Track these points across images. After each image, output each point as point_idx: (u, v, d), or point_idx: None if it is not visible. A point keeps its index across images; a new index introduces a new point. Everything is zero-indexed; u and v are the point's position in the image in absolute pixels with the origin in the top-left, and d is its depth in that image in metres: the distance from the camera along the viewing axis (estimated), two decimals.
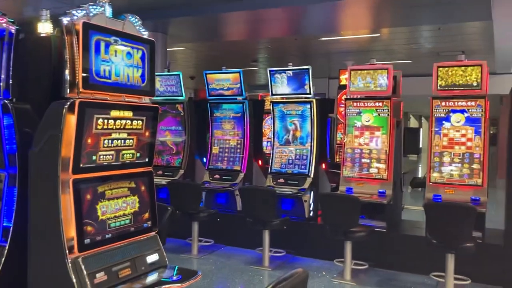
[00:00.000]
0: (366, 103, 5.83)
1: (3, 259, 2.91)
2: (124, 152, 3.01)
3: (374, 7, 8.17)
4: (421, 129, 30.94)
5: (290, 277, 1.79)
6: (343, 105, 7.27)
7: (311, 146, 6.22)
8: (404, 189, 6.41)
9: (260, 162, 7.01)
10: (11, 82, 3.04)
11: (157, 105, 3.21)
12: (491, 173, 5.32)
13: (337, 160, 8.96)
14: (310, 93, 6.18)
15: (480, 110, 5.21)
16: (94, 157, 2.81)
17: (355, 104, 5.90)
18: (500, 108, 14.23)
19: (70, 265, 2.63)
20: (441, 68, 5.36)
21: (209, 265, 5.64)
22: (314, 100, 6.19)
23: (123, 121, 2.95)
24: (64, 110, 2.65)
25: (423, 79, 10.74)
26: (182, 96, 7.09)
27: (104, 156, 2.88)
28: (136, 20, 3.07)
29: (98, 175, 2.86)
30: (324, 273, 5.41)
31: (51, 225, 2.68)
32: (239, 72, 6.67)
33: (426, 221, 4.84)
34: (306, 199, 6.09)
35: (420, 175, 16.96)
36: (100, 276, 2.72)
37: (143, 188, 3.17)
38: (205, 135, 7.16)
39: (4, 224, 2.99)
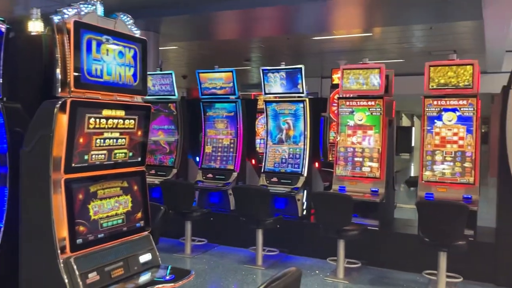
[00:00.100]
0: (358, 102, 5.85)
1: None
2: (116, 151, 3.00)
3: (366, 6, 8.19)
4: (413, 127, 31.13)
5: (284, 276, 1.79)
6: (335, 104, 7.28)
7: (304, 145, 6.23)
8: (397, 187, 6.44)
9: (253, 161, 7.01)
10: (1, 81, 3.02)
11: (149, 104, 3.19)
12: (482, 171, 5.36)
13: (330, 159, 8.99)
14: (303, 92, 6.19)
15: (472, 109, 5.24)
16: (86, 157, 2.79)
17: (347, 103, 5.92)
18: (491, 107, 14.36)
19: (62, 265, 2.62)
20: (433, 67, 5.39)
21: (202, 265, 5.63)
22: (307, 99, 6.20)
23: (115, 120, 2.93)
24: (55, 110, 2.63)
25: (415, 78, 10.79)
26: (174, 95, 7.07)
27: (96, 156, 2.86)
28: (128, 19, 3.06)
29: (90, 174, 2.84)
30: (317, 271, 5.43)
31: (43, 225, 2.66)
32: (232, 71, 6.66)
33: (418, 220, 4.86)
34: (299, 198, 6.10)
35: (412, 173, 17.06)
36: (93, 276, 2.70)
37: (135, 187, 3.15)
38: (198, 134, 7.14)
39: None
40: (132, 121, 3.06)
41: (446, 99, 5.36)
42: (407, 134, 28.68)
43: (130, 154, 3.10)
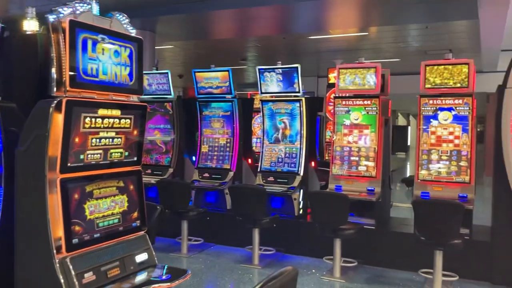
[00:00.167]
0: (354, 102, 5.85)
1: None
2: (112, 151, 2.99)
3: (362, 5, 8.20)
4: (409, 127, 31.19)
5: (280, 275, 1.79)
6: (332, 104, 7.29)
7: (300, 144, 6.23)
8: (393, 186, 6.45)
9: (249, 160, 7.01)
10: None
11: (145, 104, 3.19)
12: (478, 170, 5.37)
13: (326, 158, 9.01)
14: (299, 92, 6.19)
15: (467, 108, 5.26)
16: (81, 156, 2.78)
17: (344, 102, 5.92)
18: (486, 106, 14.38)
19: (57, 265, 2.61)
20: (428, 67, 5.41)
21: (198, 264, 5.63)
22: (303, 99, 6.20)
23: (111, 120, 2.93)
24: (51, 109, 2.62)
25: (411, 77, 10.82)
26: (170, 94, 7.06)
27: (92, 155, 2.86)
28: (124, 18, 3.05)
29: (86, 174, 2.83)
30: (313, 270, 5.43)
31: (39, 225, 2.65)
32: (228, 71, 6.65)
33: (414, 218, 4.88)
34: (296, 197, 6.10)
35: (408, 172, 17.10)
36: (89, 276, 2.69)
37: (131, 187, 3.15)
38: (194, 133, 7.13)
39: None
40: (128, 120, 3.05)
41: (441, 98, 5.37)
42: (403, 133, 28.72)
43: (126, 153, 3.09)
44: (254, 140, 8.46)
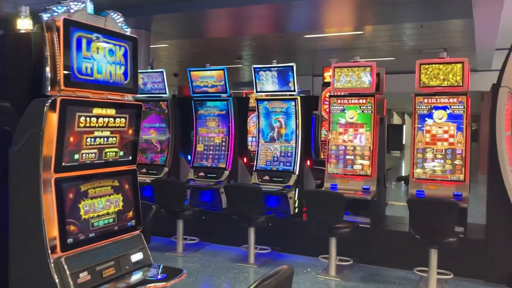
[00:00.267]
0: (350, 100, 5.86)
1: None
2: (107, 150, 2.98)
3: (357, 4, 8.22)
4: (404, 125, 31.30)
5: (276, 274, 1.79)
6: (327, 102, 7.30)
7: (296, 143, 6.24)
8: (388, 185, 6.47)
9: (245, 159, 7.00)
10: None
11: (140, 103, 3.18)
12: (472, 169, 5.41)
13: (322, 157, 9.02)
14: (294, 90, 6.20)
15: (462, 107, 5.28)
16: (76, 156, 2.77)
17: (339, 101, 5.93)
18: (481, 104, 14.47)
19: (52, 265, 2.60)
20: (423, 66, 5.42)
21: (194, 263, 5.63)
22: (298, 97, 6.21)
23: (106, 119, 2.91)
24: (45, 108, 2.60)
25: (406, 76, 10.87)
26: (166, 93, 7.04)
27: (87, 155, 2.84)
28: (118, 16, 3.03)
29: (80, 173, 2.82)
30: (309, 269, 5.44)
31: (33, 224, 2.64)
32: (223, 70, 6.64)
33: (409, 217, 4.89)
34: (291, 196, 6.11)
35: (403, 171, 17.15)
36: (84, 276, 2.68)
37: (127, 186, 3.14)
38: (189, 132, 7.12)
39: None
40: (123, 119, 3.04)
41: (436, 97, 5.39)
42: (398, 132, 28.83)
43: (121, 153, 3.08)
44: (249, 139, 8.45)
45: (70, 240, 2.70)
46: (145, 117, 7.00)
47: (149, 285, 2.85)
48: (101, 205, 2.94)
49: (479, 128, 15.92)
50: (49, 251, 2.61)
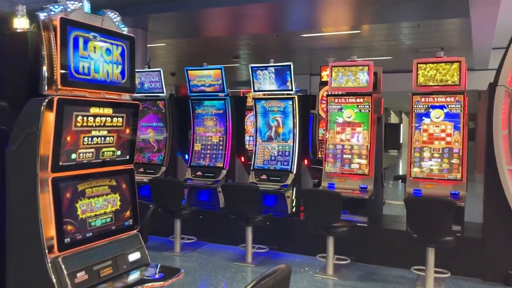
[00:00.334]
0: (347, 99, 5.87)
1: None
2: (104, 149, 2.97)
3: (355, 3, 8.21)
4: (401, 124, 31.35)
5: (273, 273, 1.79)
6: (324, 101, 7.30)
7: (293, 142, 6.24)
8: (385, 184, 6.48)
9: (242, 158, 7.00)
10: None
11: (137, 102, 3.17)
12: (470, 167, 5.41)
13: (319, 156, 9.03)
14: (292, 90, 6.20)
15: (459, 106, 5.29)
16: (73, 155, 2.76)
17: (336, 100, 5.93)
18: (478, 103, 14.51)
19: (49, 265, 2.59)
20: (420, 65, 5.43)
21: (191, 263, 5.62)
22: (296, 97, 6.21)
23: (103, 118, 2.91)
24: (42, 108, 2.59)
25: (403, 75, 10.88)
26: (163, 92, 7.03)
27: (84, 154, 2.84)
28: (115, 16, 3.03)
29: (78, 173, 2.81)
30: (307, 268, 5.45)
31: (30, 224, 2.63)
32: (220, 69, 6.64)
33: (407, 216, 4.90)
34: (289, 195, 6.11)
35: (400, 170, 17.18)
36: (81, 276, 2.68)
37: (124, 186, 3.13)
38: (186, 132, 7.12)
39: None
40: (120, 119, 3.04)
41: (433, 96, 5.40)
42: (396, 131, 28.89)
43: (118, 152, 3.08)
44: (246, 138, 8.44)
45: (67, 240, 2.69)
46: (142, 117, 6.99)
47: (146, 284, 2.85)
48: (99, 205, 2.94)
49: (476, 127, 15.96)
50: (46, 251, 2.60)
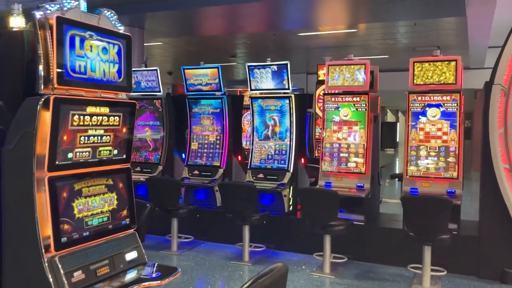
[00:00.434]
0: (344, 98, 5.88)
1: None
2: (101, 148, 2.97)
3: (351, 2, 8.23)
4: (398, 123, 31.40)
5: (270, 271, 1.79)
6: (321, 100, 7.31)
7: (290, 141, 6.24)
8: (382, 182, 6.49)
9: (239, 157, 7.01)
10: None
11: (134, 101, 3.17)
12: (466, 166, 5.43)
13: (316, 155, 9.05)
14: (288, 88, 6.20)
15: (455, 105, 5.31)
16: (70, 154, 2.76)
17: (333, 99, 5.94)
18: (474, 102, 14.55)
19: (46, 264, 2.59)
20: (417, 64, 5.44)
21: (189, 262, 5.62)
22: (292, 95, 6.21)
23: (100, 117, 2.91)
24: (38, 107, 2.59)
25: (399, 74, 10.90)
26: (160, 91, 7.03)
27: (81, 153, 2.83)
28: (112, 14, 3.02)
29: (74, 172, 2.81)
30: (303, 267, 5.45)
31: (27, 224, 2.63)
32: (217, 68, 6.63)
33: (403, 214, 4.92)
34: (286, 194, 6.12)
35: (397, 168, 17.22)
36: (78, 275, 2.67)
37: (121, 185, 3.13)
38: (183, 131, 7.11)
39: None
40: (117, 118, 3.03)
41: (430, 94, 5.41)
42: (392, 129, 28.94)
43: (115, 151, 3.07)
44: (244, 135, 8.44)
45: (64, 239, 2.69)
46: (139, 115, 6.98)
47: (143, 283, 2.85)
48: (95, 204, 2.93)
49: (472, 125, 16.01)
50: (43, 250, 2.60)
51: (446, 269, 5.04)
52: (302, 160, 6.54)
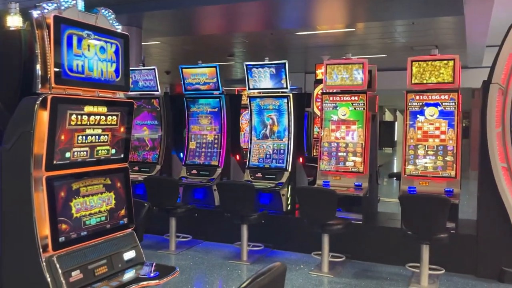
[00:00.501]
0: (342, 97, 5.88)
1: None
2: (98, 148, 2.96)
3: (349, 1, 8.23)
4: (396, 122, 31.43)
5: (268, 271, 1.79)
6: (319, 99, 7.31)
7: (288, 140, 6.24)
8: (380, 181, 6.50)
9: (237, 157, 7.00)
10: None
11: (131, 100, 3.16)
12: (464, 165, 5.43)
13: (314, 154, 9.04)
14: (286, 88, 6.19)
15: (453, 104, 5.32)
16: (68, 154, 2.76)
17: (331, 98, 5.94)
18: (472, 101, 14.57)
19: (44, 264, 2.58)
20: (415, 63, 5.45)
21: (187, 261, 5.62)
22: (290, 95, 6.21)
23: (97, 117, 2.90)
24: (36, 106, 2.58)
25: (397, 73, 10.91)
26: (157, 90, 7.02)
27: (78, 153, 2.83)
28: (110, 14, 3.02)
29: (72, 172, 2.80)
30: (302, 266, 5.46)
31: (24, 223, 2.62)
32: (215, 67, 6.63)
33: (401, 213, 4.92)
34: (284, 193, 6.11)
35: (395, 167, 17.24)
36: (76, 275, 2.67)
37: (119, 184, 3.13)
38: (181, 130, 7.10)
39: None
40: (115, 117, 3.03)
41: (428, 94, 5.42)
42: (390, 128, 28.96)
43: (113, 151, 3.07)
44: (243, 133, 8.45)
45: (62, 239, 2.69)
46: (137, 115, 6.97)
47: (141, 283, 2.85)
48: (93, 203, 2.93)
49: (470, 124, 16.04)
50: (41, 250, 2.59)
51: (444, 268, 5.05)
52: (300, 159, 6.54)
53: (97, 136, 2.93)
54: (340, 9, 8.90)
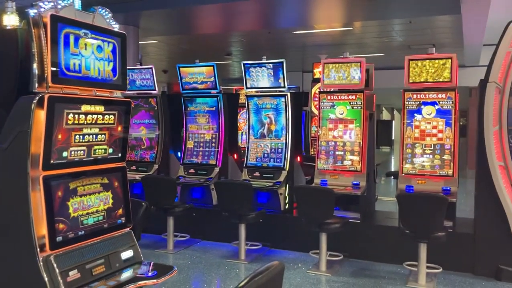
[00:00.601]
0: (339, 96, 5.88)
1: None
2: (96, 147, 2.96)
3: (347, 0, 8.22)
4: (393, 121, 31.48)
5: (266, 270, 1.79)
6: (317, 98, 7.31)
7: (286, 139, 6.24)
8: (378, 180, 6.51)
9: (235, 156, 7.00)
10: None
11: (129, 99, 3.16)
12: (461, 163, 5.45)
13: (312, 153, 9.04)
14: (284, 87, 6.19)
15: (451, 102, 5.32)
16: (65, 153, 2.75)
17: (328, 97, 5.94)
18: (469, 100, 14.60)
19: (41, 263, 2.58)
20: (412, 61, 5.45)
21: (185, 260, 5.62)
22: (288, 94, 6.21)
23: (95, 116, 2.89)
24: (32, 105, 2.57)
25: (395, 72, 10.90)
26: (155, 90, 7.00)
27: (76, 152, 2.82)
28: (107, 12, 3.01)
29: (69, 171, 2.79)
30: (300, 264, 5.46)
31: (21, 223, 2.61)
32: (212, 66, 6.62)
33: (399, 212, 4.93)
34: (282, 192, 6.12)
35: (392, 166, 17.27)
36: (73, 274, 2.67)
37: (116, 183, 3.12)
38: (179, 129, 7.10)
39: None
40: (112, 116, 3.02)
41: (425, 92, 5.43)
42: (388, 127, 29.01)
43: (110, 150, 3.06)
44: (241, 133, 8.44)
45: (59, 238, 2.68)
46: (134, 114, 6.96)
47: (139, 282, 2.85)
48: (91, 203, 2.92)
49: (467, 123, 16.07)
50: (38, 249, 2.59)
51: (441, 266, 5.06)
52: (298, 158, 6.55)
53: (94, 136, 2.93)
54: (337, 8, 8.90)
